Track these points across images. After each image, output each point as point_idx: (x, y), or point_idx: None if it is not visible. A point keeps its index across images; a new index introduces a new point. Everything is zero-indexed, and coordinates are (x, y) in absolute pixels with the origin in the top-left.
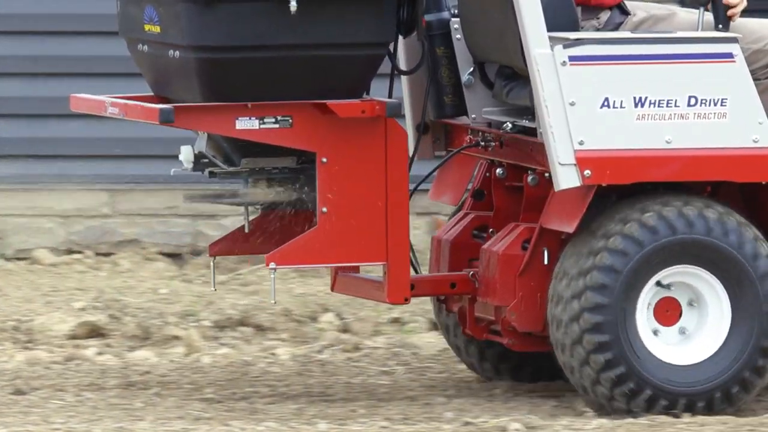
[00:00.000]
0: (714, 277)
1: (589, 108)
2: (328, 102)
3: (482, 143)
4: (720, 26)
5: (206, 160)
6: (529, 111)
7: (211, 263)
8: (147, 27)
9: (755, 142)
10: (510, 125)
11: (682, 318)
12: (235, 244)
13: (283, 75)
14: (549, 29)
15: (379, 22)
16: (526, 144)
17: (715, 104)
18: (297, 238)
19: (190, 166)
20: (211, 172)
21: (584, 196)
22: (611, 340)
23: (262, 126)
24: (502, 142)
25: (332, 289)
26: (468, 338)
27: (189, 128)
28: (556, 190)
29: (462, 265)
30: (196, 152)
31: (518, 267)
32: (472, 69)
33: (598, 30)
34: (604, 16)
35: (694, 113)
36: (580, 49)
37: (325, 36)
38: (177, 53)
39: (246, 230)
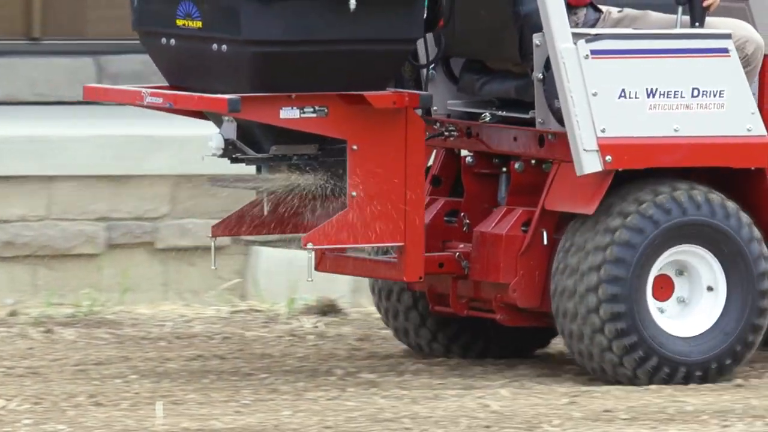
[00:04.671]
0: (714, 257)
1: (609, 98)
2: (366, 93)
3: (446, 134)
4: (696, 24)
5: (232, 147)
6: (497, 104)
7: (212, 244)
8: (181, 22)
9: (749, 131)
10: (488, 116)
11: (675, 290)
12: (237, 226)
13: (323, 68)
14: (540, 28)
15: (412, 20)
16: (509, 133)
17: (714, 95)
18: (330, 220)
19: (220, 152)
20: (235, 158)
21: (603, 180)
22: (626, 311)
23: (302, 115)
24: (469, 132)
25: (317, 269)
26: (437, 316)
27: (241, 117)
28: (578, 174)
29: (436, 247)
30: (226, 139)
31: (519, 247)
32: (434, 64)
33: (577, 26)
34: (581, 13)
35: (697, 104)
36: (601, 44)
37: (371, 32)
38: (224, 47)
39: (265, 213)
